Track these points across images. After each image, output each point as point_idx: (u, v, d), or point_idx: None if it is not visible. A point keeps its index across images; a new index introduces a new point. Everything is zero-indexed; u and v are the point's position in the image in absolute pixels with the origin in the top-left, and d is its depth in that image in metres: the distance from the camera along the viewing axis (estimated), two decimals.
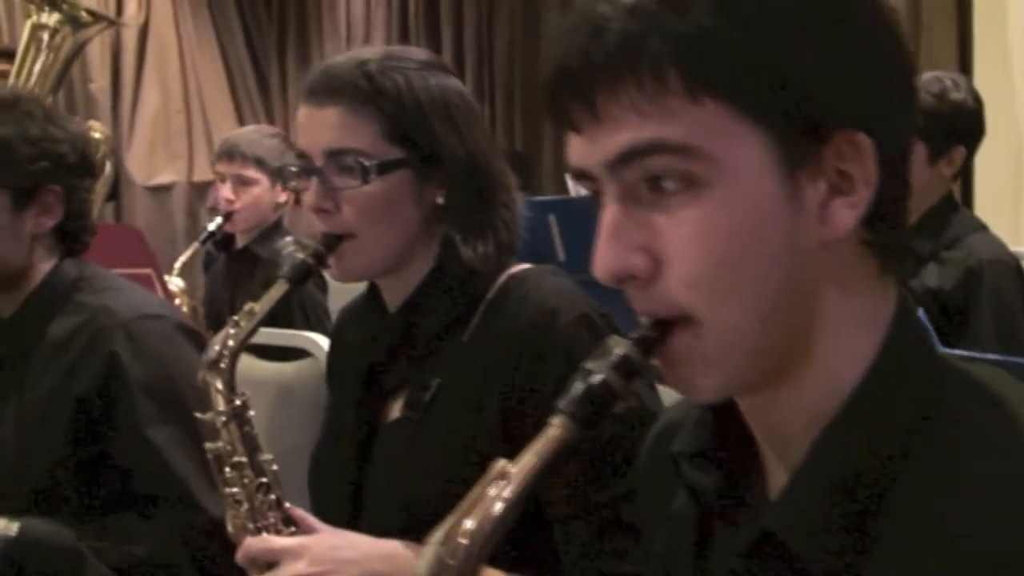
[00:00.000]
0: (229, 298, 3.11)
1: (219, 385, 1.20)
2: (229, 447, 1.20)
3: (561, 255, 2.14)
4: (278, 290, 1.23)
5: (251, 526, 1.19)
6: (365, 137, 1.25)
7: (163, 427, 1.56)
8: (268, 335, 2.27)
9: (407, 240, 1.28)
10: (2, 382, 1.65)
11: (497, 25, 6.28)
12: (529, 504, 1.20)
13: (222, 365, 1.20)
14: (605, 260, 0.70)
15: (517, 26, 6.14)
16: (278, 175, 3.12)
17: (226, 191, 3.09)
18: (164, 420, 1.56)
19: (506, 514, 0.68)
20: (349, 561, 1.14)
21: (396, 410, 1.30)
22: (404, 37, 6.95)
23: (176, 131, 7.56)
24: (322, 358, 2.05)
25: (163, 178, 7.55)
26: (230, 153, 3.09)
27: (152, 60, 7.65)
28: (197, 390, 1.61)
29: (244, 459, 1.20)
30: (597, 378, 0.70)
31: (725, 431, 0.76)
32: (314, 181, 1.26)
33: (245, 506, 1.19)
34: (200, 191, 7.66)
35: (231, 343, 1.20)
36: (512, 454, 1.19)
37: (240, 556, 1.19)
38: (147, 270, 2.66)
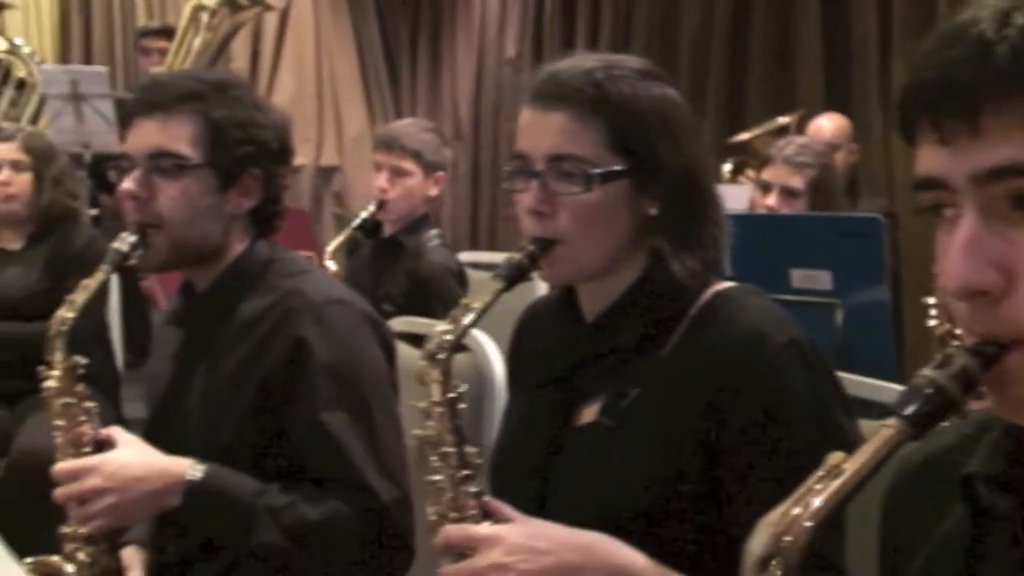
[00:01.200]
0: (371, 284, 3.16)
1: (437, 375, 1.21)
2: (438, 436, 1.22)
3: (728, 269, 2.12)
4: (494, 288, 1.24)
5: (452, 515, 1.21)
6: (589, 145, 1.25)
7: (339, 411, 1.59)
8: (424, 326, 2.30)
9: (616, 249, 1.29)
10: (193, 354, 1.70)
11: (634, 26, 6.26)
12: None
13: (440, 356, 1.22)
14: (960, 273, 0.70)
15: (655, 27, 6.11)
16: (431, 168, 3.18)
17: (381, 180, 3.15)
18: (341, 404, 1.59)
19: (841, 503, 0.70)
20: (544, 551, 1.15)
21: (589, 415, 1.31)
22: (538, 34, 6.97)
23: (307, 115, 7.70)
24: (480, 353, 2.07)
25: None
26: (389, 144, 3.15)
27: (290, 45, 7.82)
28: (377, 376, 1.67)
29: (452, 450, 1.21)
30: (938, 386, 0.71)
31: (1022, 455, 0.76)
32: (533, 184, 1.27)
33: (448, 495, 1.21)
34: (326, 176, 7.81)
35: (449, 336, 1.22)
36: (707, 471, 1.20)
37: (438, 541, 1.21)
38: (310, 252, 2.72)
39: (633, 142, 1.26)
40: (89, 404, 1.59)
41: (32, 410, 3.03)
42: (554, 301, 1.42)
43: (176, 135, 1.63)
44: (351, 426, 1.59)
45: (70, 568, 1.55)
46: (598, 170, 1.24)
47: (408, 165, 3.15)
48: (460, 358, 2.14)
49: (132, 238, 1.63)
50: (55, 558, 1.55)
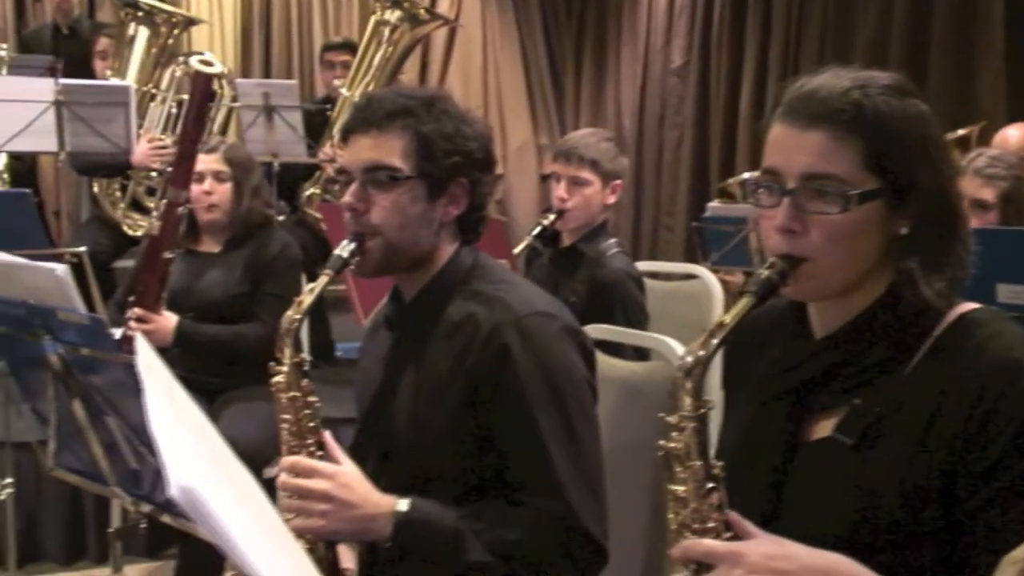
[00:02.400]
0: (551, 292, 3.21)
1: (689, 389, 1.23)
2: (685, 449, 1.23)
3: None
4: (744, 304, 1.25)
5: (694, 526, 1.22)
6: (846, 164, 1.24)
7: (542, 419, 1.65)
8: (620, 334, 2.36)
9: (864, 268, 1.28)
10: (403, 356, 1.79)
11: (806, 34, 6.17)
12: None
13: (695, 372, 1.23)
14: None
15: (828, 38, 6.01)
16: (609, 177, 3.22)
17: (560, 190, 3.21)
18: (543, 412, 1.65)
19: None
20: (785, 572, 1.15)
21: (822, 430, 1.31)
22: (706, 45, 6.95)
23: None
24: (674, 361, 2.11)
25: None
26: (567, 155, 3.21)
27: (458, 56, 8.02)
28: (577, 385, 1.72)
29: (698, 462, 1.23)
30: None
31: None
32: (785, 202, 1.26)
33: (691, 505, 1.23)
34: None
35: (702, 352, 1.23)
36: (950, 496, 1.19)
37: (676, 553, 1.23)
38: (504, 261, 2.80)
39: (890, 161, 1.25)
40: (312, 399, 1.69)
41: (228, 404, 3.22)
42: (779, 313, 1.41)
43: (389, 149, 1.73)
44: (552, 434, 1.65)
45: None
46: (855, 191, 1.24)
47: (586, 175, 3.20)
48: (654, 364, 2.20)
49: (351, 245, 1.73)
50: None
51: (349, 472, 1.64)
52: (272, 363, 1.69)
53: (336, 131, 4.88)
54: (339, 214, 3.57)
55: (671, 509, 1.24)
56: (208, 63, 2.99)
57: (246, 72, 7.33)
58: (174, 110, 4.82)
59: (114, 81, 4.66)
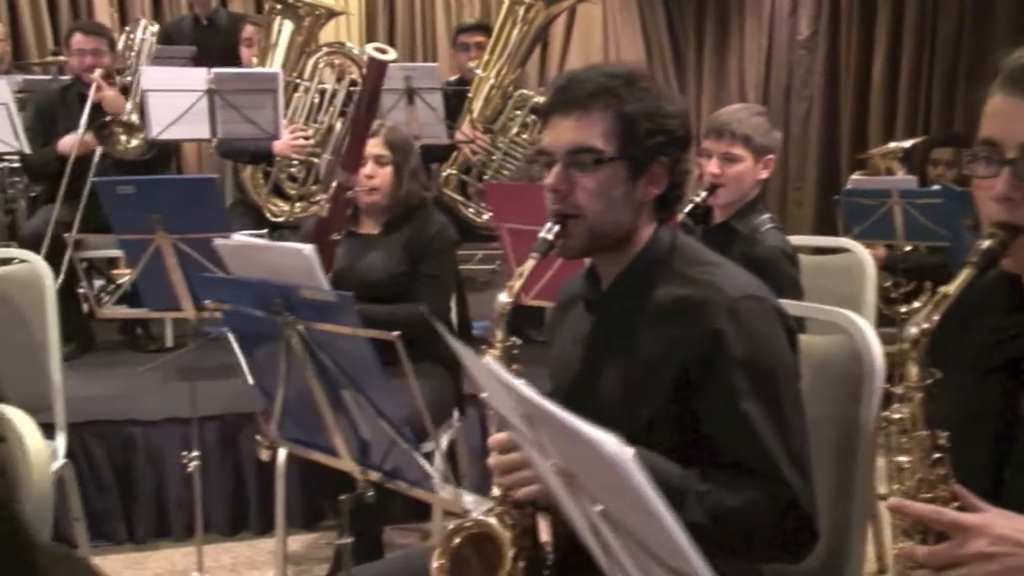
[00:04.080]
0: None
1: (916, 359, 1.23)
2: (911, 419, 1.25)
3: None
4: (966, 275, 1.27)
5: (921, 495, 1.23)
6: None
7: (757, 402, 1.65)
8: (804, 309, 2.36)
9: None
10: (606, 340, 1.81)
11: (943, 9, 6.02)
12: None
13: (920, 342, 1.25)
14: None
15: (968, 4, 5.85)
16: (761, 152, 3.21)
17: (712, 166, 3.21)
18: (758, 396, 1.65)
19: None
20: None
21: None
22: (835, 14, 6.83)
23: None
24: (858, 336, 2.11)
25: None
26: (719, 131, 3.20)
27: (578, 33, 8.03)
28: (787, 369, 1.72)
29: (924, 433, 1.24)
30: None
31: None
32: (1004, 171, 1.27)
33: (917, 475, 1.24)
34: None
35: (926, 324, 1.25)
36: None
37: (903, 510, 1.24)
38: None
39: None
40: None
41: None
42: (991, 285, 1.41)
43: (592, 131, 1.73)
44: (766, 418, 1.64)
45: (499, 527, 1.69)
46: None
47: (739, 151, 3.18)
48: (836, 339, 2.20)
49: (555, 227, 1.76)
50: (491, 519, 1.70)
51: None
52: (484, 346, 1.74)
53: (472, 110, 4.95)
54: (503, 195, 3.64)
55: (894, 480, 1.25)
56: (382, 50, 3.06)
57: None
58: (316, 100, 4.94)
59: (263, 68, 4.80)
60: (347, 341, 1.73)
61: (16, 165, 5.32)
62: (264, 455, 3.34)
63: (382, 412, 1.71)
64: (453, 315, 3.91)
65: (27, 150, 4.60)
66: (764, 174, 3.23)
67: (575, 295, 1.95)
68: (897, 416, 1.25)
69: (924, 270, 4.78)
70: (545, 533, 1.86)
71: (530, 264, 1.75)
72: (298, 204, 4.94)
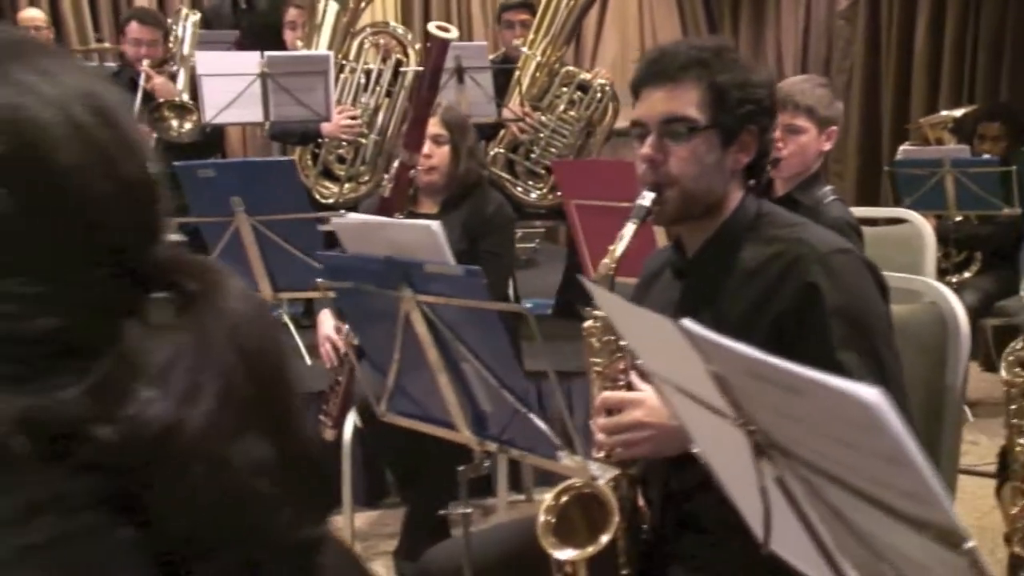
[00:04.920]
0: None
1: None
2: None
3: None
4: None
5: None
6: None
7: (853, 352, 1.69)
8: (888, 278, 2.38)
9: None
10: (697, 302, 1.85)
11: None
12: None
13: None
14: None
15: None
16: (825, 123, 3.21)
17: (775, 138, 3.21)
18: (854, 346, 1.69)
19: None
20: None
21: None
22: None
23: (630, 78, 7.81)
24: (944, 304, 2.12)
25: (617, 123, 7.87)
26: (783, 102, 3.19)
27: (613, 10, 8.01)
28: (880, 318, 1.76)
29: None
30: None
31: None
32: None
33: None
34: None
35: None
36: None
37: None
38: None
39: None
40: (624, 343, 1.77)
41: None
42: None
43: (685, 101, 1.79)
44: (863, 367, 1.68)
45: (606, 490, 1.73)
46: None
47: (802, 122, 3.19)
48: (917, 307, 2.22)
49: (651, 195, 1.80)
50: (598, 481, 1.74)
51: (654, 395, 1.71)
52: (588, 308, 1.78)
53: (521, 88, 4.96)
54: (572, 171, 3.66)
55: (1017, 444, 1.27)
56: (444, 28, 3.08)
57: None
58: (362, 80, 4.95)
59: (315, 51, 4.81)
60: (471, 315, 1.77)
61: None
62: (328, 434, 3.39)
63: (506, 383, 1.74)
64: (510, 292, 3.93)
65: None
66: (827, 146, 3.24)
67: (661, 266, 1.99)
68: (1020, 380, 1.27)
69: (975, 240, 4.76)
70: (638, 498, 1.90)
71: (630, 228, 1.79)
72: (347, 185, 4.96)
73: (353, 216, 2.62)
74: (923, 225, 3.60)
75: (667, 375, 0.99)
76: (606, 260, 1.77)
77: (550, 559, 1.71)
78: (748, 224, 1.85)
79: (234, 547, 0.58)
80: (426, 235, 2.47)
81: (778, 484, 0.82)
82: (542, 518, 1.70)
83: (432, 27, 3.15)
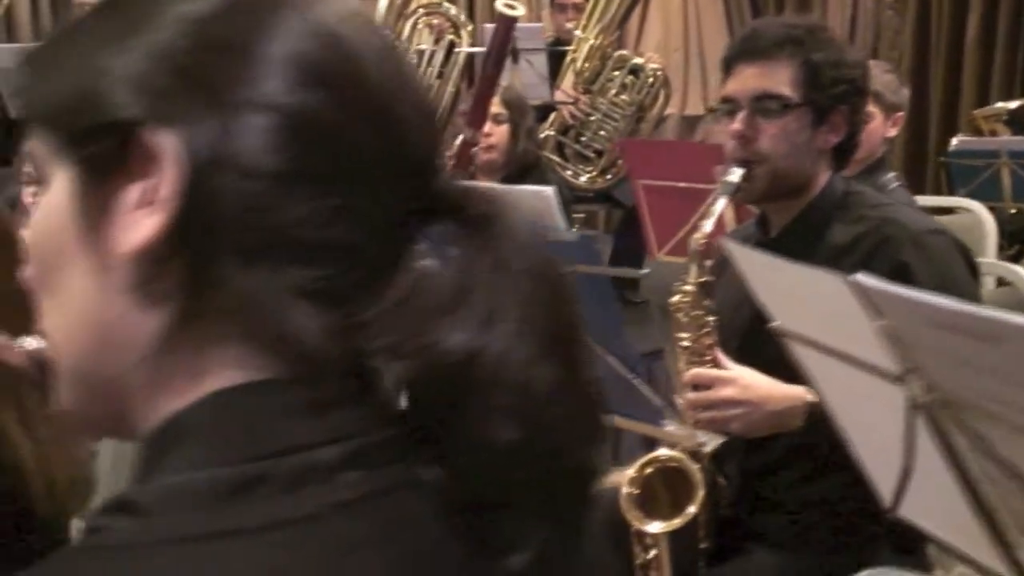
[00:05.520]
0: None
1: None
2: None
3: None
4: None
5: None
6: None
7: None
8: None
9: None
10: None
11: None
12: None
13: None
14: None
15: None
16: (891, 109, 3.20)
17: None
18: None
19: None
20: None
21: None
22: None
23: (673, 67, 7.76)
24: (1021, 287, 2.12)
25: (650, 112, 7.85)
26: None
27: None
28: (973, 299, 1.75)
29: None
30: None
31: None
32: None
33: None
34: (690, 124, 7.91)
35: None
36: None
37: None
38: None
39: None
40: (711, 318, 1.77)
41: None
42: None
43: (778, 78, 1.79)
44: None
45: (691, 464, 1.73)
46: None
47: (869, 107, 3.16)
48: (1004, 292, 2.21)
49: (740, 171, 1.79)
50: (683, 455, 1.73)
51: (748, 373, 1.71)
52: (677, 283, 1.78)
53: (574, 71, 4.95)
54: (640, 151, 3.66)
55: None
56: (511, 6, 3.08)
57: (471, 19, 7.45)
58: (415, 61, 4.95)
59: None
60: (582, 280, 1.76)
61: None
62: None
63: (612, 350, 1.74)
64: None
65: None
66: (893, 132, 3.22)
67: (742, 241, 1.98)
68: None
69: None
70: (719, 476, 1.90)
71: (720, 204, 1.79)
72: None
73: None
74: (984, 214, 3.58)
75: (812, 334, 0.98)
76: (696, 235, 1.77)
77: (631, 531, 1.71)
78: (836, 203, 1.84)
79: (535, 484, 0.56)
80: (539, 200, 2.47)
81: (937, 440, 0.81)
82: (626, 490, 1.70)
83: (500, 4, 3.15)
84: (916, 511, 0.99)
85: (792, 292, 1.04)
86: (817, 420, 1.68)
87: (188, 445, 0.55)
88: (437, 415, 0.56)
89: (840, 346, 0.91)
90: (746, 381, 1.69)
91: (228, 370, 0.56)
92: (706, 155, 3.51)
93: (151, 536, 0.51)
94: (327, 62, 0.58)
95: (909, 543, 1.82)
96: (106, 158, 0.58)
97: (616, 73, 5.00)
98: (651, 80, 5.02)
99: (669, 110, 7.76)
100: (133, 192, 0.57)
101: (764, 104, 1.79)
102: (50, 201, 0.60)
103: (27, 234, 0.62)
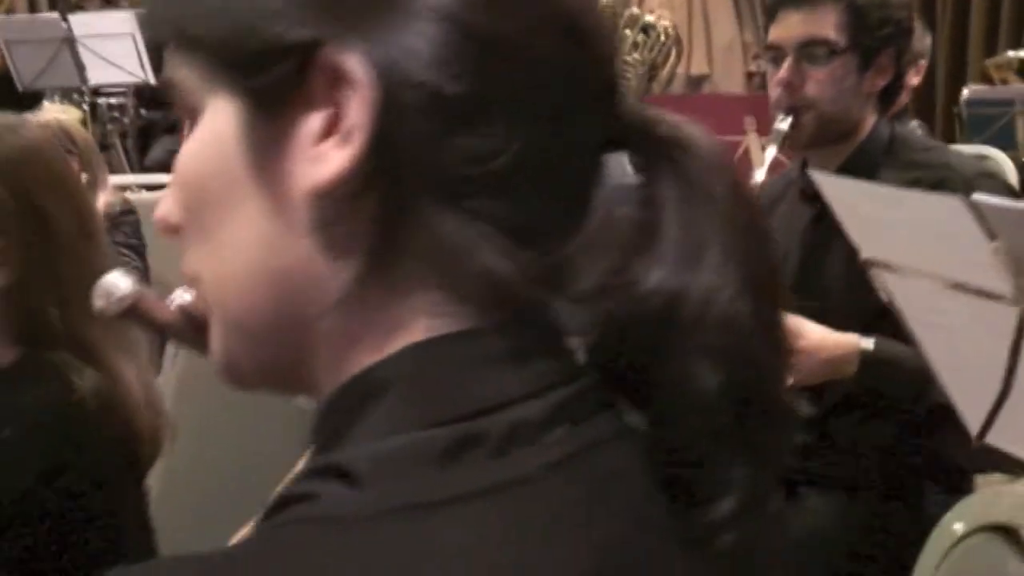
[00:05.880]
0: None
1: None
2: None
3: None
4: None
5: None
6: None
7: None
8: None
9: None
10: (830, 229, 1.80)
11: None
12: None
13: None
14: None
15: None
16: (914, 57, 3.18)
17: None
18: None
19: None
20: None
21: None
22: None
23: (677, 25, 7.74)
24: None
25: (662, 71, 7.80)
26: None
27: None
28: None
29: None
30: None
31: None
32: None
33: None
34: (695, 84, 7.87)
35: None
36: None
37: None
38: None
39: None
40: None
41: None
42: None
43: (824, 23, 1.78)
44: None
45: None
46: None
47: None
48: None
49: (788, 119, 1.79)
50: None
51: (799, 321, 1.71)
52: None
53: None
54: (666, 106, 3.65)
55: None
56: None
57: None
58: None
59: None
60: None
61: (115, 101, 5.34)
62: None
63: None
64: None
65: (152, 80, 4.65)
66: (915, 80, 3.22)
67: (783, 190, 1.98)
68: None
69: None
70: None
71: (771, 152, 1.79)
72: None
73: None
74: (1005, 162, 3.57)
75: (912, 262, 0.99)
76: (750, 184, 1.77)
77: None
78: (883, 148, 1.84)
79: (738, 426, 0.52)
80: None
81: None
82: None
83: None
84: (1007, 437, 1.00)
85: (890, 220, 1.04)
86: (871, 366, 1.69)
87: (389, 403, 0.50)
88: (637, 359, 0.52)
89: (945, 272, 0.91)
90: (798, 329, 1.70)
91: (422, 319, 0.51)
92: (735, 106, 3.50)
93: (376, 506, 0.47)
94: None
95: (961, 484, 1.84)
96: (281, 84, 0.51)
97: (628, 31, 4.98)
98: (663, 38, 5.00)
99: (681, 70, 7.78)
100: (315, 121, 0.51)
101: (810, 50, 1.79)
102: (207, 135, 0.54)
103: (179, 173, 0.56)
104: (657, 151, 0.54)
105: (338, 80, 0.50)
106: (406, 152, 0.50)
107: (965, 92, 4.99)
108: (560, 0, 0.54)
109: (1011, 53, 5.27)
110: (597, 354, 0.53)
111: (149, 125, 5.55)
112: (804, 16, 1.79)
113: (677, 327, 0.51)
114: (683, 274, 0.51)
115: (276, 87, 0.51)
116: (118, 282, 0.70)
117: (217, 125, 0.53)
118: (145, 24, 0.61)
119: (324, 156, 0.51)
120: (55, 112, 3.77)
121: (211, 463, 2.01)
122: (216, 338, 0.56)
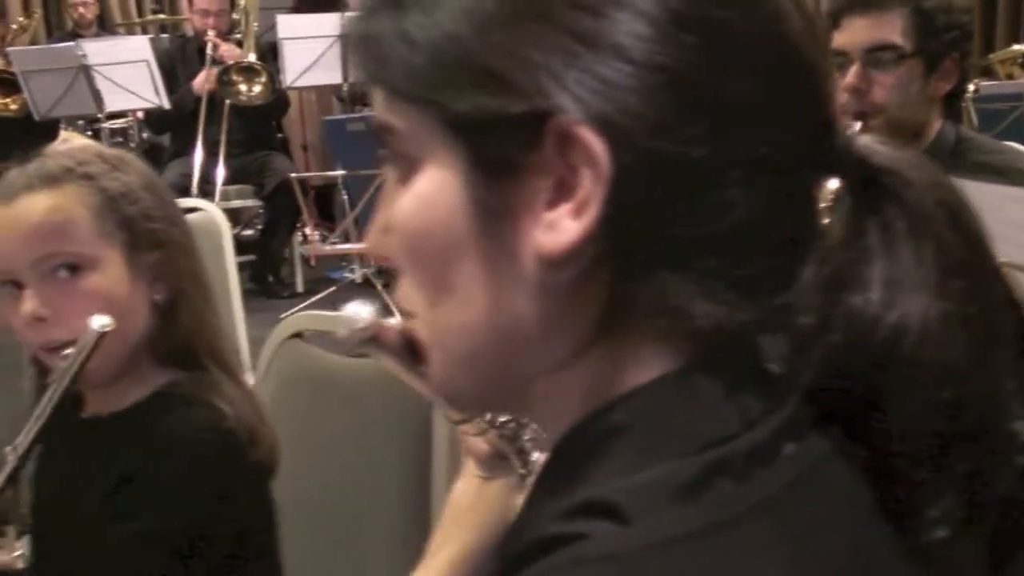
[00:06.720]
0: None
1: None
2: None
3: None
4: None
5: None
6: None
7: None
8: None
9: None
10: None
11: None
12: None
13: None
14: None
15: None
16: None
17: None
18: None
19: None
20: None
21: None
22: None
23: None
24: None
25: None
26: None
27: None
28: None
29: None
30: None
31: None
32: None
33: None
34: None
35: None
36: None
37: None
38: None
39: None
40: None
41: None
42: None
43: (891, 28, 1.79)
44: None
45: None
46: None
47: None
48: None
49: (857, 125, 1.80)
50: None
51: None
52: None
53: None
54: None
55: None
56: None
57: None
58: None
59: None
60: None
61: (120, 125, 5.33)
62: None
63: None
64: None
65: (167, 105, 4.64)
66: None
67: None
68: None
69: None
70: None
71: None
72: None
73: None
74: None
75: None
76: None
77: None
78: (950, 151, 1.85)
79: (957, 455, 0.52)
80: None
81: None
82: None
83: None
84: None
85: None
86: None
87: (632, 440, 0.51)
88: (856, 389, 0.52)
89: None
90: None
91: (644, 363, 0.53)
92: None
93: (645, 540, 0.48)
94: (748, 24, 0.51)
95: None
96: (513, 152, 0.50)
97: None
98: None
99: None
100: (546, 185, 0.50)
101: (877, 56, 1.79)
102: (431, 194, 0.53)
103: (399, 223, 0.55)
104: (874, 181, 0.54)
105: (569, 146, 0.49)
106: (639, 221, 0.50)
107: (971, 87, 5.03)
108: (790, 39, 0.52)
109: (1015, 47, 5.31)
110: (812, 382, 0.53)
111: (153, 149, 5.55)
112: (870, 21, 1.80)
113: (897, 359, 0.51)
114: (903, 306, 0.51)
115: (507, 153, 0.50)
116: (360, 311, 0.70)
117: (441, 183, 0.53)
118: (366, 66, 0.55)
119: (557, 225, 0.50)
120: (77, 141, 3.76)
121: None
122: (436, 369, 0.57)
